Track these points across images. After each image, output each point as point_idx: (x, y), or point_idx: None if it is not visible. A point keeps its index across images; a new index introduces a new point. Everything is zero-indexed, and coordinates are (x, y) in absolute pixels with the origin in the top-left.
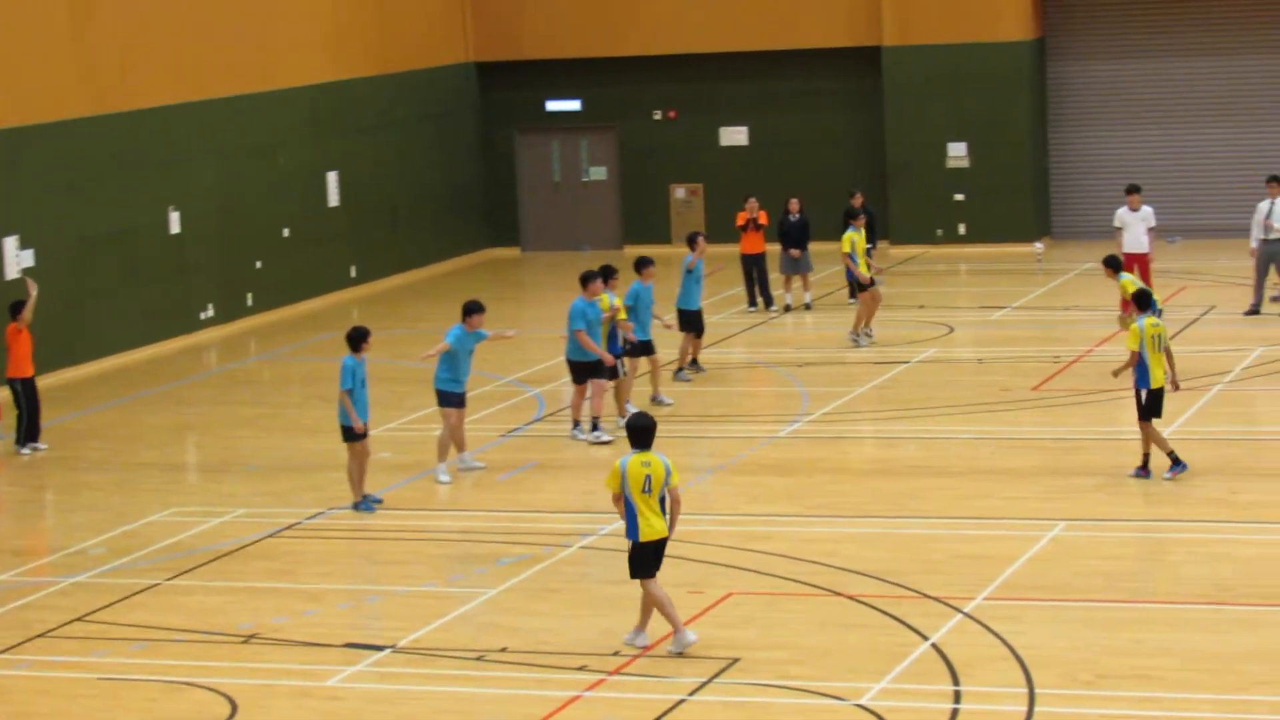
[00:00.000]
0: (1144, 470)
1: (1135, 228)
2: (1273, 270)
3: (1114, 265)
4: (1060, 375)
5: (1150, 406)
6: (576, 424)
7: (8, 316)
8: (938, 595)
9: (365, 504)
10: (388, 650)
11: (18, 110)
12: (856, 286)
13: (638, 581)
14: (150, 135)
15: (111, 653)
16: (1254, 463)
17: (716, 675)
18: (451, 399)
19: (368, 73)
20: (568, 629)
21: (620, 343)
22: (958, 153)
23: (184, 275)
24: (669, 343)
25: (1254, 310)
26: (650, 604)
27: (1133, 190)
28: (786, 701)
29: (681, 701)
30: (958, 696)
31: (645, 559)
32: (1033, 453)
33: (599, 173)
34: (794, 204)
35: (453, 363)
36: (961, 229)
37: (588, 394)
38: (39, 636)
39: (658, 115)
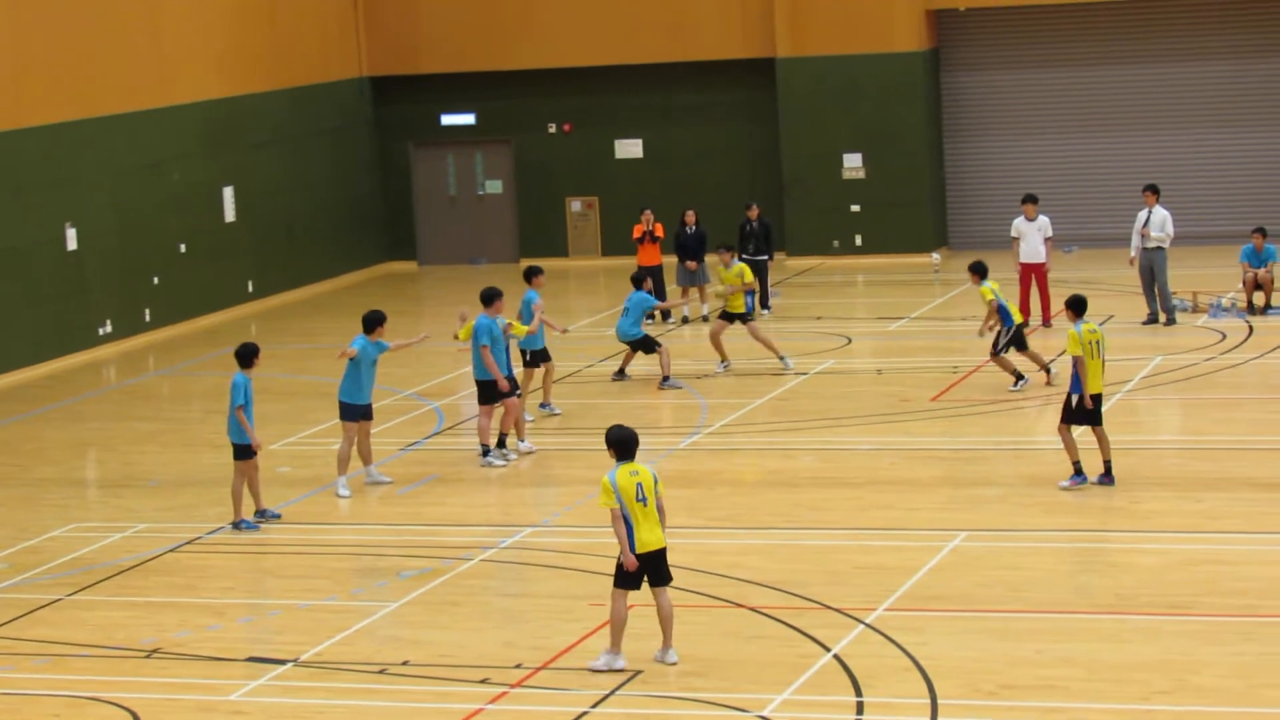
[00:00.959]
0: (1080, 477)
1: (1032, 237)
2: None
3: (980, 271)
4: (959, 385)
5: (1083, 412)
6: (487, 449)
7: None
8: (839, 606)
9: (247, 523)
10: (290, 664)
11: None
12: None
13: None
14: (44, 152)
15: (15, 668)
16: (1154, 472)
17: (619, 687)
18: (353, 411)
19: (261, 88)
20: (470, 642)
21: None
22: (853, 164)
23: (81, 291)
24: (562, 353)
25: (1151, 319)
26: (663, 614)
27: (1029, 200)
28: (689, 713)
29: (584, 714)
30: (860, 708)
31: (635, 572)
32: (933, 463)
33: (495, 186)
34: (690, 216)
35: (355, 375)
36: (858, 240)
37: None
38: None
39: (553, 128)
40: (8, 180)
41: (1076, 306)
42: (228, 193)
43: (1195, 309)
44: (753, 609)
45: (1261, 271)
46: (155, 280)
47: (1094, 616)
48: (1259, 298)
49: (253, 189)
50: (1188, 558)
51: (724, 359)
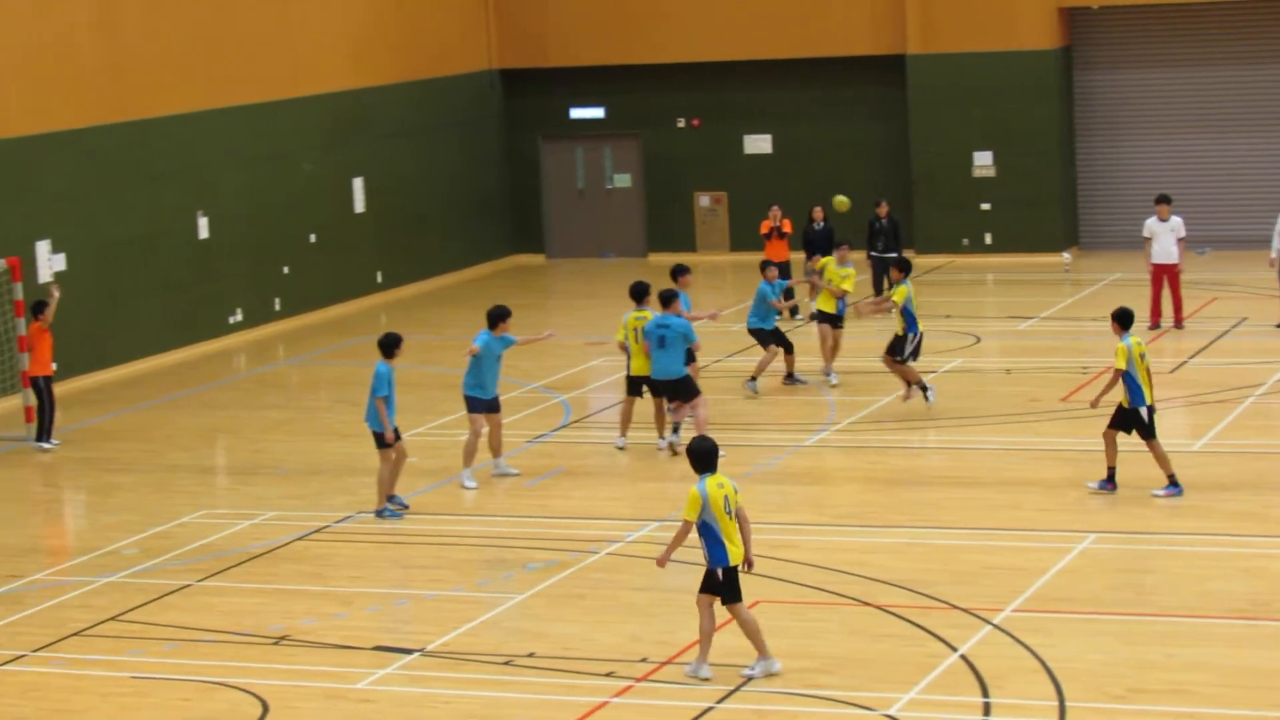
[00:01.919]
0: (1111, 484)
1: (1164, 238)
2: None
3: (904, 268)
4: (1089, 386)
5: (1137, 423)
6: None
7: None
8: (967, 606)
9: (389, 511)
10: (416, 654)
11: (47, 116)
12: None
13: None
14: (176, 142)
15: (145, 652)
16: None
17: (744, 684)
18: (477, 405)
19: (391, 80)
20: (595, 635)
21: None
22: (984, 162)
23: (213, 280)
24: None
25: None
26: (750, 627)
27: (1162, 200)
28: (814, 710)
29: (709, 709)
30: (987, 709)
31: (731, 581)
32: (1062, 464)
33: (623, 180)
34: (818, 212)
35: (477, 369)
36: (988, 238)
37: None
38: (73, 635)
39: (681, 123)
40: (141, 169)
41: (1124, 320)
42: (357, 184)
43: None
44: (879, 607)
45: None
46: (285, 270)
47: (1226, 621)
48: None
49: (382, 180)
50: None
51: (828, 369)
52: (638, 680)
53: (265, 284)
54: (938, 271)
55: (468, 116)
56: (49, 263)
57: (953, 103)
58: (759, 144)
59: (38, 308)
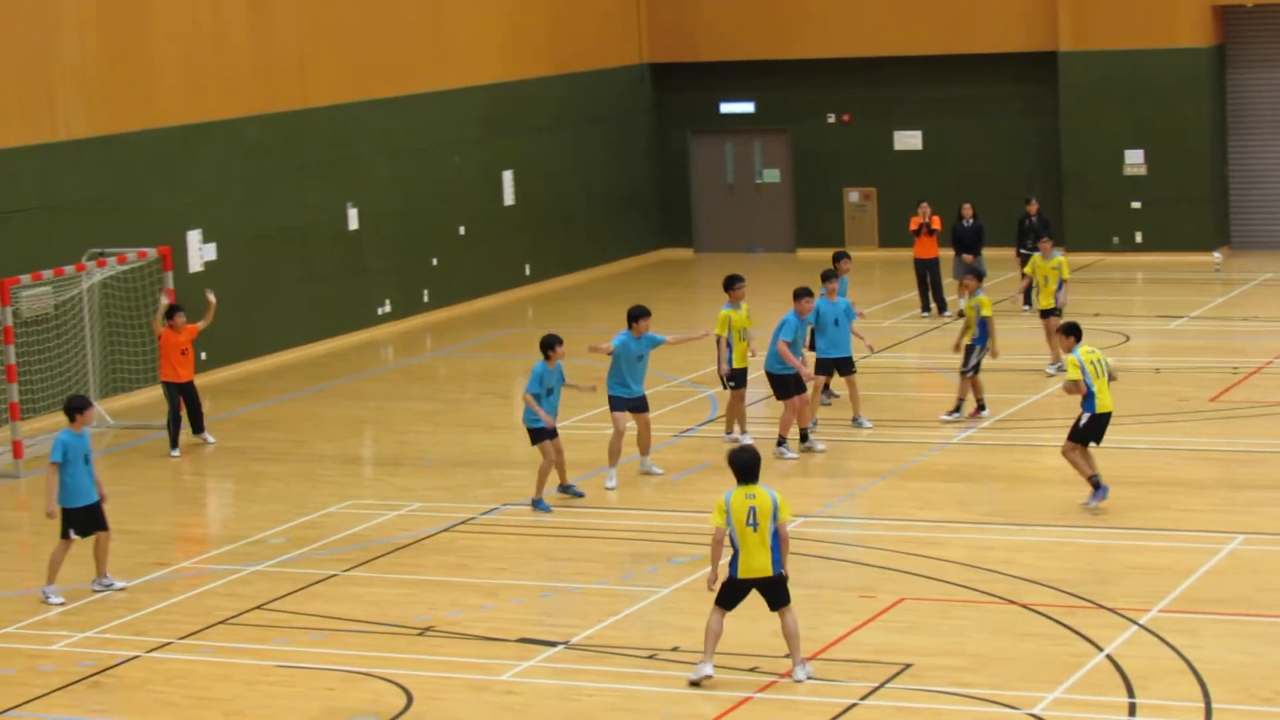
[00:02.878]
0: (1102, 490)
1: None
2: None
3: (981, 277)
4: (1239, 387)
5: (1092, 431)
6: (782, 440)
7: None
8: (1113, 606)
9: (541, 503)
10: (561, 646)
11: (199, 107)
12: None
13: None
14: (327, 133)
15: (290, 641)
16: None
17: (888, 681)
18: (619, 403)
19: (542, 73)
20: (739, 630)
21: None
22: (1135, 160)
23: (361, 271)
24: None
25: None
26: (711, 633)
27: None
28: (958, 709)
29: (853, 706)
30: (1133, 709)
31: (734, 592)
32: (1210, 464)
33: (772, 175)
34: (967, 209)
35: (616, 368)
36: (1138, 237)
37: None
38: (220, 623)
39: (831, 118)
40: (291, 159)
41: (1074, 332)
42: (507, 176)
43: None
44: (1025, 606)
45: None
46: (434, 261)
47: None
48: None
49: (531, 173)
50: None
51: (1055, 360)
52: (781, 676)
53: (414, 276)
54: (1087, 270)
55: (618, 110)
56: (200, 252)
57: (1104, 100)
58: (909, 140)
59: (172, 311)
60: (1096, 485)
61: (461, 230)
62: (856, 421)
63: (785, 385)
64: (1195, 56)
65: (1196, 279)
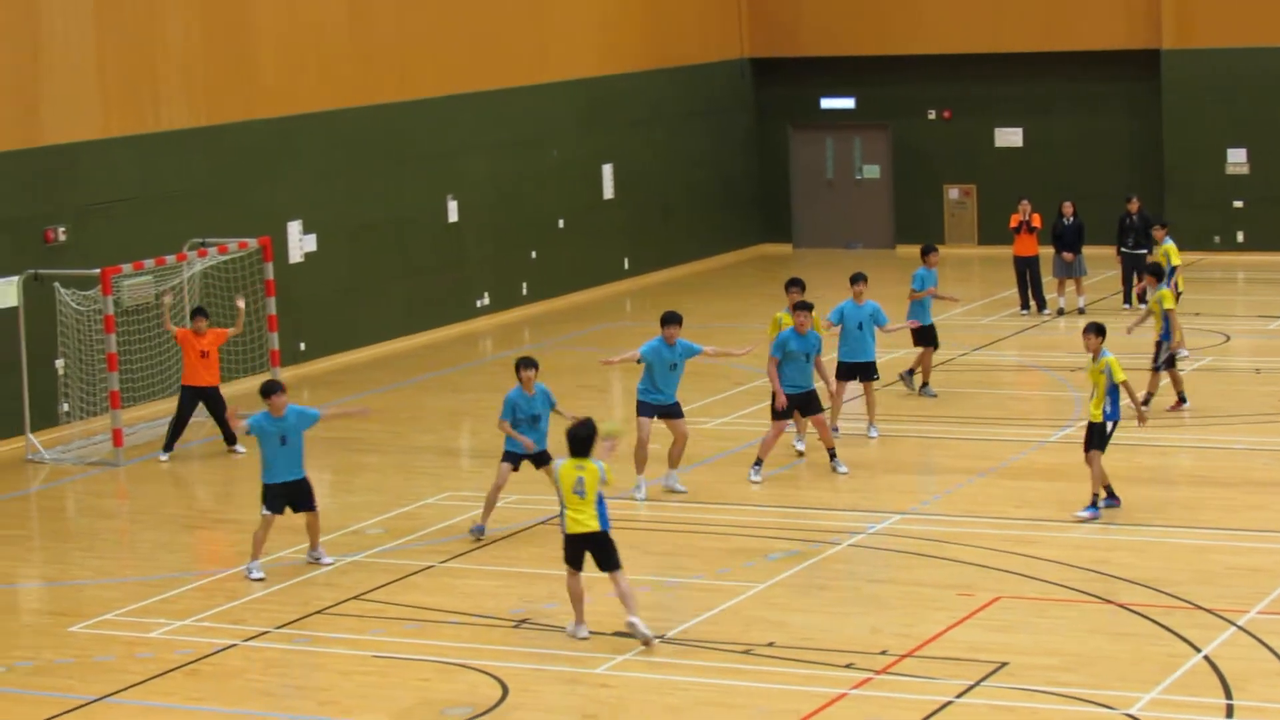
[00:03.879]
0: (1113, 499)
1: None
2: None
3: (1158, 274)
4: None
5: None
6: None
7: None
8: (1210, 607)
9: (479, 529)
10: (656, 640)
11: (299, 99)
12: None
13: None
14: (427, 125)
15: (386, 632)
16: None
17: (984, 679)
18: (645, 409)
19: (642, 67)
20: (836, 626)
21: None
22: (1237, 159)
23: (460, 264)
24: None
25: None
26: (574, 594)
27: None
28: (1054, 708)
29: (948, 704)
30: (1230, 710)
31: (573, 548)
32: None
33: (872, 171)
34: (1068, 207)
35: (649, 375)
36: (1240, 236)
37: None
38: (317, 613)
39: (932, 115)
40: (391, 152)
41: (1102, 332)
42: (606, 170)
43: None
44: (1122, 606)
45: None
46: (533, 255)
47: None
48: None
49: (631, 167)
50: None
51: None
52: (877, 673)
53: (512, 268)
54: (1188, 269)
55: (718, 105)
56: (300, 243)
57: (1206, 98)
58: (1010, 137)
59: (194, 314)
60: (1111, 492)
61: (561, 223)
62: (871, 428)
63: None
64: None
65: None
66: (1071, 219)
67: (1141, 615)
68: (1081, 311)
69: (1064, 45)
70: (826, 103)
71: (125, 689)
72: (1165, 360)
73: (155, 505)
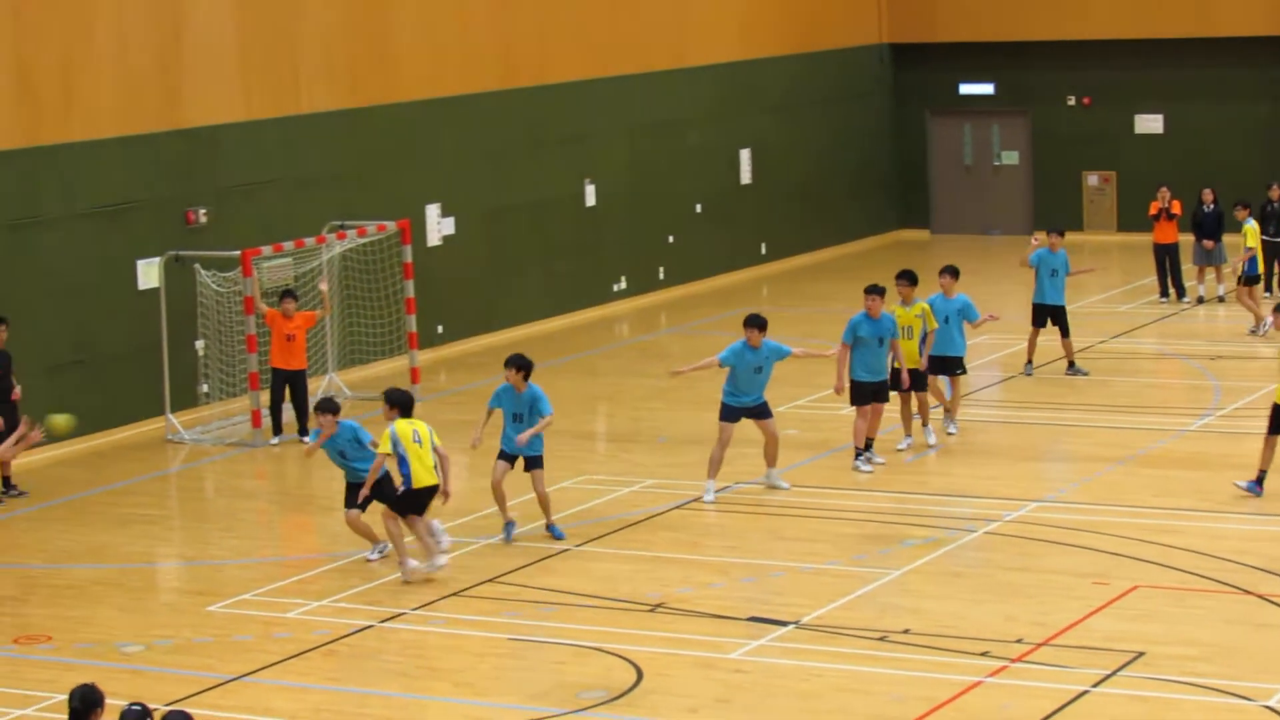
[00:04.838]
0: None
1: None
2: None
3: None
4: None
5: None
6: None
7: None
8: None
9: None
10: (791, 626)
11: (439, 82)
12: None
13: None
14: (566, 109)
15: (521, 614)
16: None
17: (1121, 668)
18: (728, 412)
19: (780, 52)
20: (971, 614)
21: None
22: None
23: (597, 248)
24: (1077, 327)
25: None
26: (396, 535)
27: None
28: (1191, 699)
29: (1084, 693)
30: None
31: (416, 500)
32: None
33: (1011, 157)
34: (1208, 194)
35: (733, 378)
36: None
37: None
38: (453, 595)
39: (1071, 101)
40: (529, 135)
41: None
42: (744, 155)
43: None
44: (1262, 597)
45: None
46: (670, 239)
47: None
48: None
49: (768, 152)
50: None
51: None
52: (1012, 661)
53: (650, 253)
54: None
55: (856, 90)
56: (438, 226)
57: None
58: (1150, 124)
59: (285, 295)
60: (1258, 481)
61: (698, 208)
62: (949, 423)
63: (861, 392)
64: None
65: None
66: (1212, 206)
67: None
68: (1221, 299)
69: (1205, 31)
70: (965, 88)
71: (263, 668)
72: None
73: (293, 486)
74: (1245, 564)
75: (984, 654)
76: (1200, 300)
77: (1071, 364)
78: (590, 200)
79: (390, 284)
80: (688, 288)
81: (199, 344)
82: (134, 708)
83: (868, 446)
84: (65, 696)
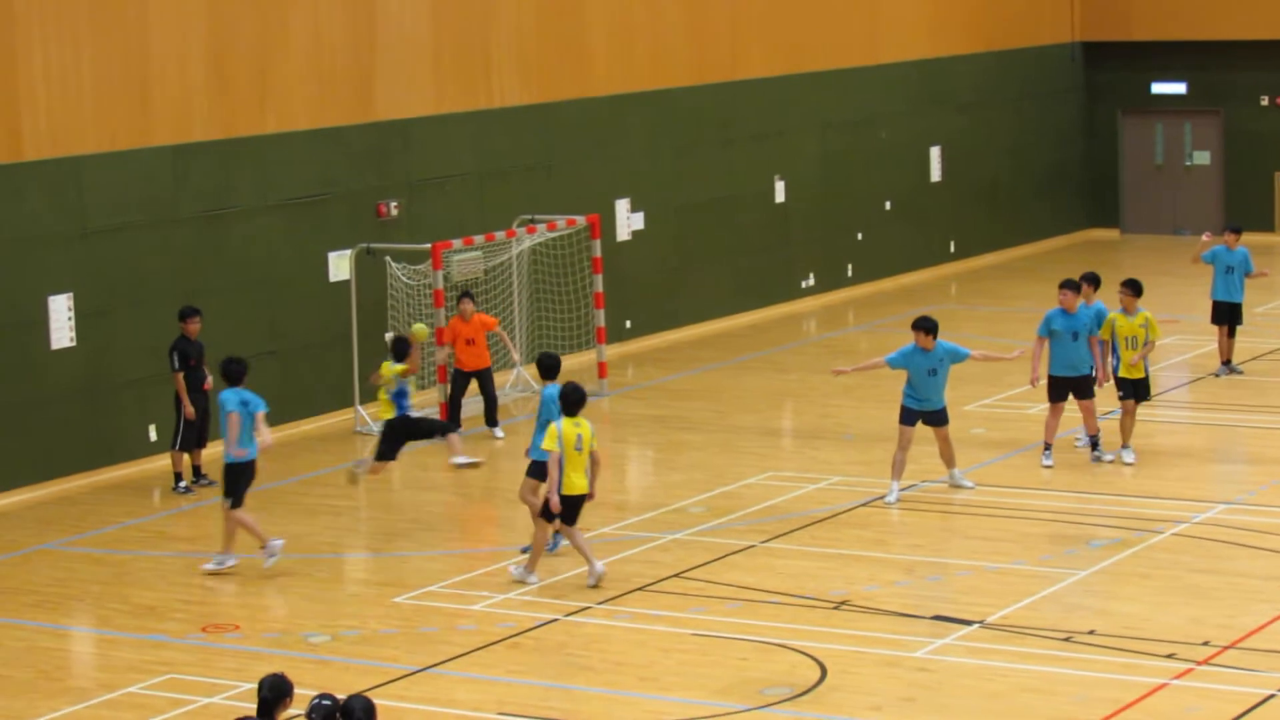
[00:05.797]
0: None
1: None
2: None
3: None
4: None
5: None
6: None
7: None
8: None
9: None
10: (976, 625)
11: (630, 77)
12: None
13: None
14: (755, 105)
15: (706, 610)
16: None
17: None
18: (906, 415)
19: (970, 50)
20: (1157, 616)
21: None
22: None
23: (786, 244)
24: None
25: None
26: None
27: None
28: None
29: (1270, 697)
30: None
31: (569, 508)
32: None
33: (1202, 157)
34: None
35: (910, 381)
36: None
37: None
38: (638, 589)
39: (1265, 100)
40: (720, 132)
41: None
42: (934, 152)
43: None
44: None
45: None
46: (859, 236)
47: None
48: None
49: (958, 150)
50: None
51: None
52: (1199, 664)
53: (838, 250)
54: None
55: (1047, 88)
56: (627, 221)
57: None
58: None
59: (462, 297)
60: None
61: (888, 205)
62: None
63: (1056, 388)
64: None
65: None
66: None
67: None
68: None
69: None
70: (1157, 87)
71: (448, 660)
72: None
73: (480, 478)
74: None
75: (1170, 656)
76: None
77: (1227, 362)
78: (779, 197)
79: (579, 279)
80: (876, 285)
81: (388, 336)
82: (324, 701)
83: (1094, 444)
84: (252, 685)
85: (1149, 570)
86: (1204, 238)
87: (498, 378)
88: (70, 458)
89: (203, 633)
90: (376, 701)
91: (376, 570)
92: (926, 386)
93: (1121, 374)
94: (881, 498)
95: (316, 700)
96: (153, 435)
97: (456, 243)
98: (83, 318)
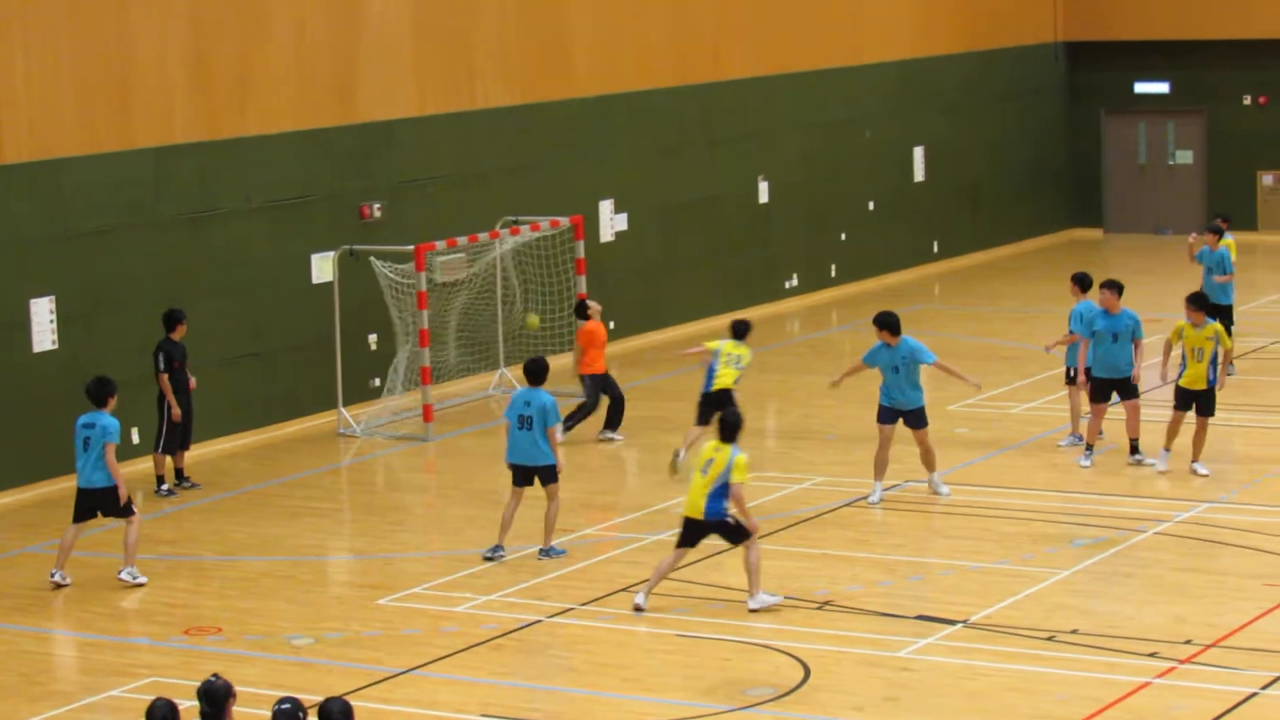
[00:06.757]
0: None
1: None
2: None
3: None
4: None
5: None
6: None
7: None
8: None
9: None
10: (959, 625)
11: (613, 78)
12: None
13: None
14: (740, 106)
15: (691, 611)
16: None
17: None
18: (882, 414)
19: (954, 50)
20: (1139, 614)
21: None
22: None
23: (769, 245)
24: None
25: None
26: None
27: None
28: None
29: (1252, 695)
30: None
31: (688, 531)
32: None
33: (1185, 156)
34: None
35: (882, 377)
36: None
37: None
38: (621, 591)
39: (1247, 100)
40: (703, 132)
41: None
42: (917, 153)
43: None
44: None
45: None
46: (842, 236)
47: None
48: None
49: (941, 149)
50: None
51: None
52: (1181, 662)
53: (822, 250)
54: None
55: (1030, 88)
56: (611, 222)
57: None
58: None
59: (580, 309)
60: None
61: (871, 205)
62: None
63: (1098, 389)
64: None
65: None
66: None
67: None
68: None
69: None
70: (1140, 87)
71: (431, 662)
72: None
73: (463, 480)
74: None
75: (1153, 655)
76: None
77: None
78: (763, 197)
79: (562, 279)
80: (859, 285)
81: (372, 338)
82: (284, 706)
83: (1134, 449)
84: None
85: (1132, 569)
86: (1190, 238)
87: (479, 380)
88: (53, 461)
89: (185, 635)
90: (359, 704)
91: (360, 572)
92: (892, 383)
93: (1182, 384)
94: (864, 498)
95: (278, 706)
96: (135, 438)
97: (440, 244)
98: (65, 320)
